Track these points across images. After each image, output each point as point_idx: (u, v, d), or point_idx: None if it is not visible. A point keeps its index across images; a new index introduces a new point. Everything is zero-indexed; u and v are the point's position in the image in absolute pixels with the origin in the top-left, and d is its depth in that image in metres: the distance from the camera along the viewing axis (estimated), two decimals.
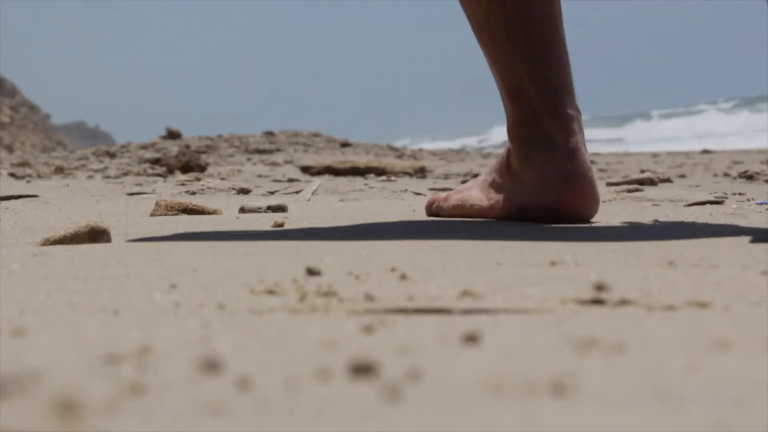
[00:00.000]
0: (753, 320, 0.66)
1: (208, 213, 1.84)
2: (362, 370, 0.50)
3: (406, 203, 2.17)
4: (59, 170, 5.31)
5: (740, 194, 2.47)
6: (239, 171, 5.23)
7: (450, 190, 2.21)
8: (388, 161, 4.87)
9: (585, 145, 1.53)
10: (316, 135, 9.17)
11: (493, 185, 1.61)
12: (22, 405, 0.45)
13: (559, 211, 1.49)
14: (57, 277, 0.89)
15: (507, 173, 1.59)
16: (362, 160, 4.92)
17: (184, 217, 1.76)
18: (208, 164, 4.96)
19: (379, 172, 4.48)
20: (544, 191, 1.50)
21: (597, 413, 0.44)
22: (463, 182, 3.30)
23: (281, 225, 1.51)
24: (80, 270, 0.94)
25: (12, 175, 4.86)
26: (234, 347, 0.58)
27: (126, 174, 4.79)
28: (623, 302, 0.73)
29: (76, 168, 5.87)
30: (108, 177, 4.59)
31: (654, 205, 1.87)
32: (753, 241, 1.15)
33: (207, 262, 0.98)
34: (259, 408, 0.45)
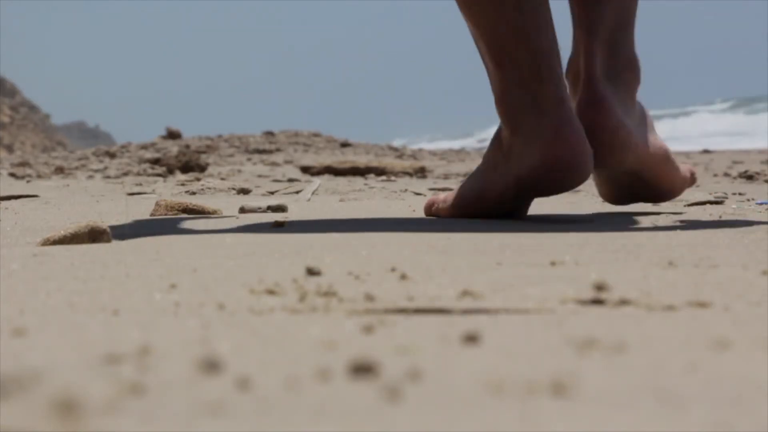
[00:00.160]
0: (753, 320, 0.66)
1: (208, 213, 1.84)
2: (362, 370, 0.50)
3: (406, 203, 2.16)
4: (59, 170, 5.30)
5: (740, 194, 2.46)
6: (239, 171, 5.23)
7: (450, 190, 2.21)
8: (388, 161, 4.87)
9: (574, 109, 1.53)
10: (316, 135, 9.17)
11: (488, 170, 1.60)
12: (22, 405, 0.45)
13: (551, 170, 1.48)
14: (57, 277, 0.89)
15: (500, 152, 1.57)
16: (362, 160, 4.92)
17: (185, 217, 1.76)
18: (208, 164, 4.96)
19: (379, 172, 4.47)
20: (534, 152, 1.50)
21: (597, 413, 0.44)
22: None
23: (281, 225, 1.51)
24: (80, 270, 0.94)
25: (12, 175, 4.86)
26: (234, 347, 0.58)
27: (126, 174, 4.79)
28: (623, 302, 0.73)
29: (76, 168, 5.86)
30: (108, 177, 4.59)
31: (654, 205, 1.87)
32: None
33: (207, 262, 0.98)
34: (259, 408, 0.45)
